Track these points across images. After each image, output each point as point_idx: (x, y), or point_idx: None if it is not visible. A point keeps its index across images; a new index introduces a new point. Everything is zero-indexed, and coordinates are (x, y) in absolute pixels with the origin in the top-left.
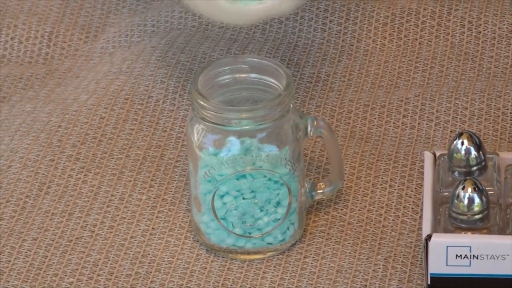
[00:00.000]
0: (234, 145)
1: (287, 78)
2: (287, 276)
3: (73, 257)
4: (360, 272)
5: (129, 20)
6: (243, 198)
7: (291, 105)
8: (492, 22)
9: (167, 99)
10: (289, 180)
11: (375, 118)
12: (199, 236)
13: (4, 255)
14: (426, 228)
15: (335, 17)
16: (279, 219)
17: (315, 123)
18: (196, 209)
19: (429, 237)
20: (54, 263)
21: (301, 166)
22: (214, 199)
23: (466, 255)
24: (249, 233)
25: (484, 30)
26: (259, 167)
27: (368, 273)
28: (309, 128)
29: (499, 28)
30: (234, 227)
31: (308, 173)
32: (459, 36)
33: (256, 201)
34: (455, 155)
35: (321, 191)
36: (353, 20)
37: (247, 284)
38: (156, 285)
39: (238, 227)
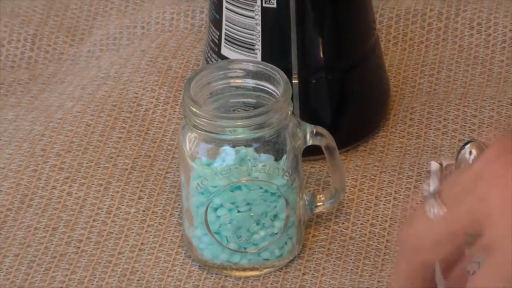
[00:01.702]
0: (228, 155)
1: (285, 84)
2: None
3: (57, 275)
4: None
5: (118, 22)
6: (238, 211)
7: (289, 112)
8: (502, 24)
9: (158, 109)
10: (286, 191)
11: (378, 129)
12: (191, 251)
13: None
14: None
15: None
16: (276, 233)
17: (314, 131)
18: (188, 223)
19: None
20: (37, 280)
21: (300, 177)
22: (207, 212)
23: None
24: (245, 248)
25: (494, 33)
26: (255, 178)
27: None
28: (308, 137)
29: (510, 30)
30: (229, 241)
31: (307, 185)
32: (467, 39)
33: (251, 214)
34: (463, 165)
35: (321, 204)
36: None
37: None
38: None
39: (233, 241)
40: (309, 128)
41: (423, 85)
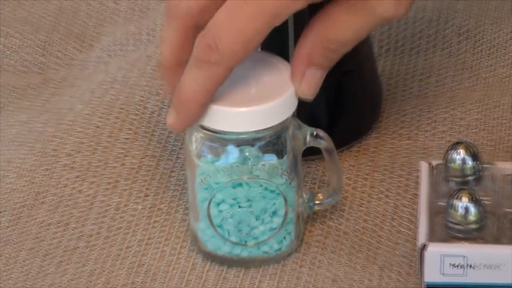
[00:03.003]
0: (231, 154)
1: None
2: (283, 285)
3: (69, 267)
4: (355, 281)
5: (124, 29)
6: (239, 207)
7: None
8: (490, 30)
9: (163, 112)
10: (285, 190)
11: (371, 130)
12: (196, 243)
13: (0, 265)
14: (422, 238)
15: None
16: (275, 229)
17: (314, 133)
18: (193, 217)
19: (424, 246)
20: (50, 272)
21: (299, 176)
22: (210, 206)
23: (461, 264)
24: (245, 242)
25: (481, 39)
26: (255, 176)
27: (364, 283)
28: (308, 138)
29: (496, 37)
30: (230, 235)
31: (304, 184)
32: (456, 46)
33: (252, 210)
34: (451, 165)
35: (319, 202)
36: None
37: None
38: None
39: (234, 235)
40: (309, 130)
41: (414, 89)
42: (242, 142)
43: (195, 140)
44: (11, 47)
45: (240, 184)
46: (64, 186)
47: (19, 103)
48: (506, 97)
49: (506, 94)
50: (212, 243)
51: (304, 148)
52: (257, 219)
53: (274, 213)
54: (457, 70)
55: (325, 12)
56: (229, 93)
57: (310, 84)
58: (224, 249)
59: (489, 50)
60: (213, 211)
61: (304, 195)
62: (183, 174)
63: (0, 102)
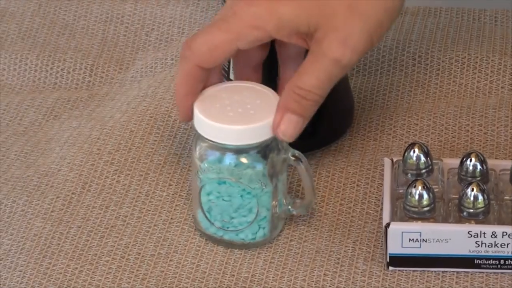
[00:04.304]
0: (221, 158)
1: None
2: (276, 255)
3: (109, 241)
4: (334, 252)
5: (154, 55)
6: (223, 199)
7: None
8: (437, 56)
9: None
10: (259, 194)
11: (346, 134)
12: (195, 222)
13: (54, 240)
14: (386, 218)
15: None
16: (249, 222)
17: (295, 154)
18: (194, 203)
19: (388, 225)
20: (94, 245)
21: (280, 184)
22: (200, 194)
23: (417, 239)
24: (227, 228)
25: (430, 63)
26: (237, 178)
27: (340, 253)
28: (288, 157)
29: (442, 61)
30: (215, 220)
31: (291, 188)
32: (411, 68)
33: (231, 204)
34: (408, 161)
35: (297, 208)
36: None
37: (244, 262)
38: (173, 262)
39: (218, 220)
40: (290, 152)
41: (378, 102)
42: (231, 150)
43: (199, 148)
44: (66, 69)
45: (224, 182)
46: (106, 178)
47: (71, 113)
48: (450, 108)
49: (450, 105)
50: (203, 224)
51: (286, 164)
52: (235, 212)
53: (250, 210)
54: (412, 87)
55: (300, 65)
56: (226, 114)
57: (287, 127)
58: (211, 230)
59: (437, 71)
60: (203, 199)
61: (284, 200)
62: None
63: (57, 112)
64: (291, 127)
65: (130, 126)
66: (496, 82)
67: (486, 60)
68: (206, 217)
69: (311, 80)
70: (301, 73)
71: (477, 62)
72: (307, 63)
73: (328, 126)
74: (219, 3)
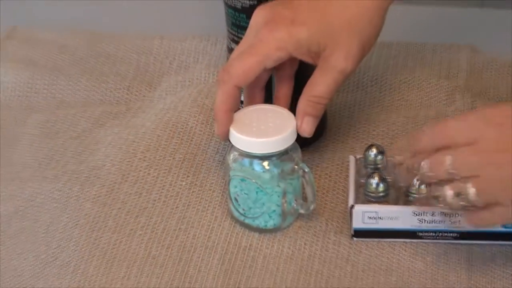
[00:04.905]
0: (245, 162)
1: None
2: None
3: (142, 219)
4: (312, 227)
5: (175, 79)
6: (244, 193)
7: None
8: (390, 78)
9: (197, 127)
10: (270, 192)
11: (321, 137)
12: (228, 206)
13: (100, 218)
14: (351, 201)
15: None
16: (262, 213)
17: (305, 170)
18: (228, 192)
19: (352, 206)
20: (130, 222)
21: (287, 186)
22: (229, 186)
23: (374, 217)
24: (246, 215)
25: (385, 84)
26: (254, 178)
27: (317, 228)
28: (298, 168)
29: (394, 82)
30: (238, 207)
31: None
32: (370, 87)
33: (249, 198)
34: (368, 158)
35: (301, 209)
36: None
37: (244, 235)
38: (190, 235)
39: (240, 208)
40: (301, 164)
41: (345, 113)
42: (254, 157)
43: (233, 156)
44: (109, 89)
45: (244, 180)
46: (139, 171)
47: (113, 122)
48: (400, 118)
49: (400, 116)
50: (232, 209)
51: (297, 173)
52: (252, 204)
53: (262, 204)
54: (371, 102)
55: (310, 78)
56: (252, 129)
57: (306, 126)
58: (236, 214)
59: (389, 90)
60: (231, 189)
61: (295, 201)
62: (210, 165)
63: (102, 121)
64: (309, 126)
65: (157, 132)
66: (434, 98)
67: (427, 81)
68: (233, 204)
69: (322, 88)
70: (313, 84)
71: (420, 83)
72: (317, 76)
73: None
74: (225, 39)
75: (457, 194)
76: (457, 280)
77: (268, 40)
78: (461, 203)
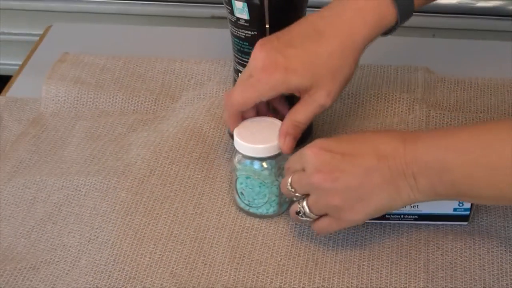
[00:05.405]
0: (248, 163)
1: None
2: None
3: (165, 205)
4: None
5: (192, 93)
6: (248, 188)
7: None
8: (363, 93)
9: (210, 131)
10: (270, 186)
11: (308, 139)
12: (235, 201)
13: (133, 204)
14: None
15: None
16: (264, 202)
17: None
18: (234, 187)
19: None
20: (156, 208)
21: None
22: (236, 183)
23: None
24: (250, 205)
25: (358, 97)
26: (257, 175)
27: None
28: None
29: (366, 96)
30: (243, 199)
31: None
32: (347, 100)
33: (253, 191)
34: None
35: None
36: None
37: (247, 218)
38: (204, 218)
39: (245, 200)
40: None
41: (327, 120)
42: (255, 159)
43: (238, 158)
44: (140, 101)
45: (249, 177)
46: (163, 167)
47: (142, 128)
48: (371, 124)
49: (371, 122)
50: (238, 201)
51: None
52: (256, 196)
53: (264, 195)
54: (347, 112)
55: (294, 106)
56: (252, 137)
57: (288, 145)
58: (242, 205)
59: (362, 102)
60: (238, 186)
61: None
62: (220, 162)
63: (134, 127)
64: (290, 144)
65: (178, 135)
66: (398, 108)
67: (391, 95)
68: (239, 197)
69: (303, 116)
70: (296, 111)
71: (387, 97)
72: (300, 106)
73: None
74: (232, 62)
75: (298, 212)
76: (417, 253)
77: (265, 82)
78: (303, 218)
